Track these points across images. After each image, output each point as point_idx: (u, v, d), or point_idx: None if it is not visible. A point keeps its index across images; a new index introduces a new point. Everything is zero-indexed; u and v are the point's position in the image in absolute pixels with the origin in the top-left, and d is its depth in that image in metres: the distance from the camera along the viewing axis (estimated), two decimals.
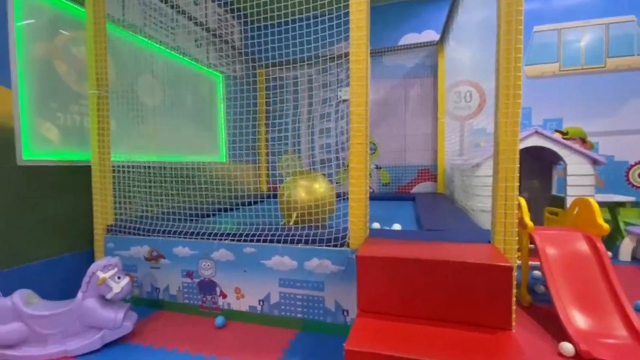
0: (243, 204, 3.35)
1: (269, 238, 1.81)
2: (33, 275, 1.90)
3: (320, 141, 4.18)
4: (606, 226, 1.80)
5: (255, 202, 3.68)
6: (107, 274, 1.63)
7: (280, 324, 1.81)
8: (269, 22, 4.07)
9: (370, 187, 2.82)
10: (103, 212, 2.15)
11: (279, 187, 2.34)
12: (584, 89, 3.53)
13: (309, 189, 2.17)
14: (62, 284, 2.02)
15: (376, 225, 2.10)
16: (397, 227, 2.08)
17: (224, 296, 1.91)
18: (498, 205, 1.44)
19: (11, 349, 1.54)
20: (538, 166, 3.24)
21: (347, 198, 1.64)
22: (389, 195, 4.02)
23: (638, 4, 3.39)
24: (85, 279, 1.64)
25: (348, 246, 1.66)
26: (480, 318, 1.25)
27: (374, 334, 1.22)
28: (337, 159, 3.76)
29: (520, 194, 2.31)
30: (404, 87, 4.15)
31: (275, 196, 3.91)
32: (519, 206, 1.73)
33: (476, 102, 2.63)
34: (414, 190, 4.15)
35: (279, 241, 1.79)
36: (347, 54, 1.63)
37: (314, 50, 2.12)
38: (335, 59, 2.01)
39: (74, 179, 2.16)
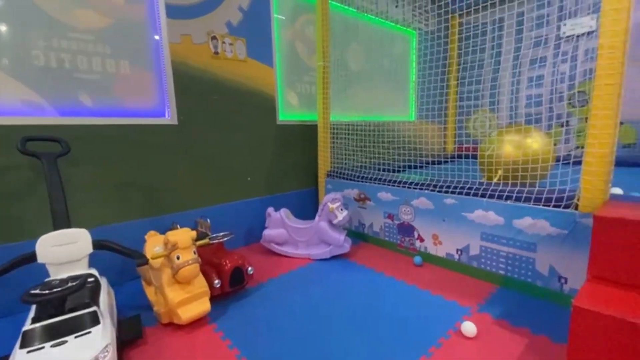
0: (428, 163, 3.41)
1: (472, 192, 1.81)
2: (284, 201, 2.70)
3: (527, 92, 3.53)
4: None
5: (440, 163, 3.66)
6: (334, 205, 2.12)
7: (477, 275, 1.84)
8: None
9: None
10: (324, 161, 2.74)
11: (473, 147, 2.23)
12: None
13: (520, 144, 1.97)
14: (297, 208, 2.74)
15: (617, 190, 1.69)
16: None
17: (422, 240, 2.10)
18: None
19: (279, 245, 2.31)
20: None
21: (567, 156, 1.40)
22: (632, 159, 3.02)
23: None
24: (320, 207, 2.20)
25: (576, 208, 1.45)
26: None
27: (610, 300, 1.07)
28: (550, 110, 3.12)
29: None
30: None
31: (460, 157, 3.73)
32: None
33: None
34: None
35: (483, 195, 1.77)
36: None
37: None
38: None
39: (305, 135, 2.82)
